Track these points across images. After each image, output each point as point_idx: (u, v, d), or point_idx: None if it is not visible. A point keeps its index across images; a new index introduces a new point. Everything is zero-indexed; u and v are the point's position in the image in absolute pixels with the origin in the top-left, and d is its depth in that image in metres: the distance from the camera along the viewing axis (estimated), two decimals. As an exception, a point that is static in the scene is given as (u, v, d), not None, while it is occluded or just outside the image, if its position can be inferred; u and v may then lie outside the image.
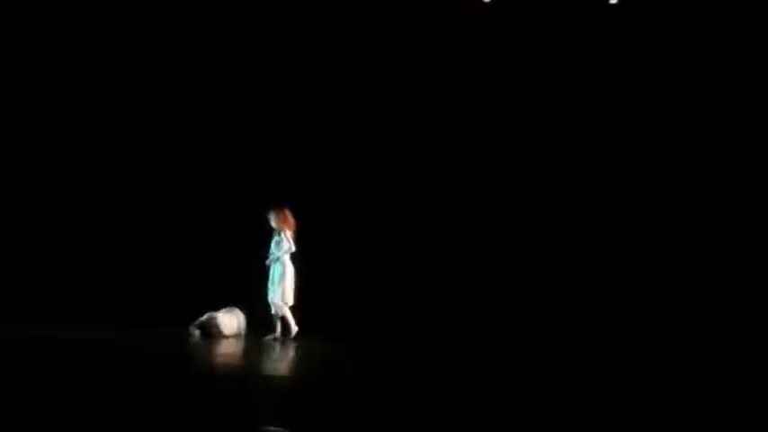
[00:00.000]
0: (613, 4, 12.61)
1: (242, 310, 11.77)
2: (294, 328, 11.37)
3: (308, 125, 13.16)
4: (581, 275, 12.60)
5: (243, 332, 11.68)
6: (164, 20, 13.24)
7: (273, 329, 11.41)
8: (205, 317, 11.51)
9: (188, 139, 13.25)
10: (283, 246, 11.34)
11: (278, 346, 11.07)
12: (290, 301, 11.40)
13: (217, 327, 11.46)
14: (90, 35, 13.38)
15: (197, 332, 11.40)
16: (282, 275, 11.33)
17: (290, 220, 11.41)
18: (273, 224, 11.38)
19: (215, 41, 13.18)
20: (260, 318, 11.56)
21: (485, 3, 12.60)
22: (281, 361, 10.50)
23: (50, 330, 11.02)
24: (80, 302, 12.47)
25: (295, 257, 11.43)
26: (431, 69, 13.09)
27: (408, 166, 13.08)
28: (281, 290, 11.33)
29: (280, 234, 11.35)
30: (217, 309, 11.62)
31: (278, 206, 11.44)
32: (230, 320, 11.60)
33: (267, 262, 11.38)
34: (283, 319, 11.41)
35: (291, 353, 10.83)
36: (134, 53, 13.39)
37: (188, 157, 13.25)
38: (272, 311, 11.42)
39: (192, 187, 13.21)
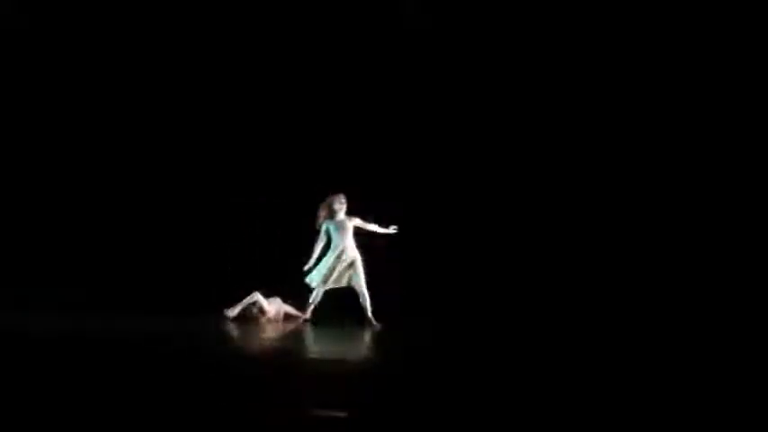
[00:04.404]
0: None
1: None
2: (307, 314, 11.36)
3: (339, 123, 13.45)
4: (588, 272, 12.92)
5: (282, 317, 11.58)
6: (172, 19, 13.29)
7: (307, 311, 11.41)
8: (246, 299, 11.41)
9: (229, 132, 13.36)
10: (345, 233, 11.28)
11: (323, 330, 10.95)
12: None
13: (260, 308, 11.38)
14: (98, 32, 13.32)
15: (235, 311, 11.28)
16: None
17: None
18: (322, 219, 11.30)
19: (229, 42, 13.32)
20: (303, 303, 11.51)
21: None
22: (323, 343, 10.31)
23: (87, 320, 10.89)
24: (125, 291, 12.50)
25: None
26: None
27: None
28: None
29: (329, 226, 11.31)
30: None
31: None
32: (271, 304, 11.52)
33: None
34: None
35: (333, 335, 10.72)
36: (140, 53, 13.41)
37: (231, 150, 13.42)
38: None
39: (232, 179, 13.38)
